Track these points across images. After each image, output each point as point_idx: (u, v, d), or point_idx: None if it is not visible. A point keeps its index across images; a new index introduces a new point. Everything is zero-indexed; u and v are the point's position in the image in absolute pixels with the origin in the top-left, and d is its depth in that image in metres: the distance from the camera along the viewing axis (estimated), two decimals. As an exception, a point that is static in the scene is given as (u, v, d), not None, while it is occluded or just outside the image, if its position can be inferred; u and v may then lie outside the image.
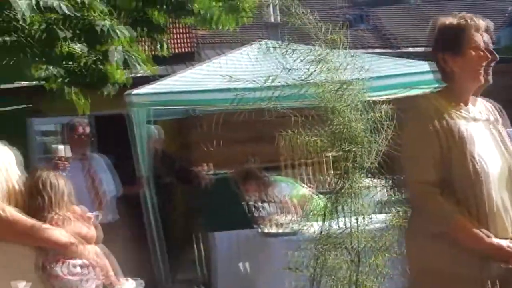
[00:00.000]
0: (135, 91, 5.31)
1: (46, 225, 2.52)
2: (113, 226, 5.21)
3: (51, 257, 2.54)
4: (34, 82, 7.72)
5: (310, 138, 2.57)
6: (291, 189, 5.95)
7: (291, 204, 5.40)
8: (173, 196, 6.10)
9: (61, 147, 4.82)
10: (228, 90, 4.46)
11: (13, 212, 2.49)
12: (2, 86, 9.39)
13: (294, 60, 2.61)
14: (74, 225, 2.65)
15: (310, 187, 6.49)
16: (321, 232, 2.73)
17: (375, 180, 3.04)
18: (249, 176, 5.78)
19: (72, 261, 2.55)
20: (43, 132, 9.78)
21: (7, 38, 3.04)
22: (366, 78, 2.88)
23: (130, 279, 2.88)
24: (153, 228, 5.43)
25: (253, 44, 6.64)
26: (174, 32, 11.38)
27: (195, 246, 6.10)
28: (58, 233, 2.53)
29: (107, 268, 2.74)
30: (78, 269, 2.55)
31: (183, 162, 6.42)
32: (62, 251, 2.55)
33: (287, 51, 2.59)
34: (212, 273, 5.65)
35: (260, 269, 5.22)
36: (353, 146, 2.60)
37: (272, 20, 10.21)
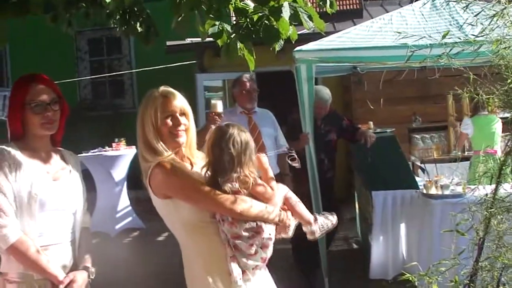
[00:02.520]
0: (298, 48, 5.42)
1: (219, 193, 2.47)
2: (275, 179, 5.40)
3: (220, 214, 2.53)
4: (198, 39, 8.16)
5: (483, 97, 2.46)
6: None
7: None
8: (336, 153, 6.08)
9: (219, 102, 4.88)
10: (397, 47, 4.38)
11: (187, 176, 2.50)
12: (173, 43, 9.99)
13: (472, 16, 2.48)
14: (254, 186, 2.57)
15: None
16: (487, 194, 2.62)
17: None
18: None
19: (239, 225, 2.51)
20: (206, 88, 10.13)
21: None
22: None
23: (325, 215, 2.87)
24: (316, 184, 5.53)
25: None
26: (340, -12, 11.24)
27: (357, 203, 6.12)
28: (230, 202, 2.47)
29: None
30: (245, 234, 2.51)
31: (349, 120, 6.31)
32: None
33: (467, 5, 2.46)
34: (369, 232, 5.67)
35: (419, 230, 5.17)
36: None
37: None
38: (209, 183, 2.51)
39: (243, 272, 2.52)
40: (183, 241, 2.60)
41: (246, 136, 2.62)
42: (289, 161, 2.78)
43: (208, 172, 2.55)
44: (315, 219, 2.82)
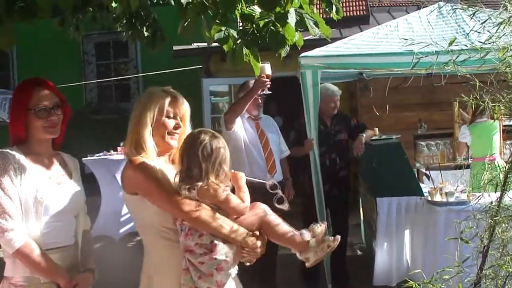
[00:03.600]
0: (304, 54, 5.43)
1: (182, 198, 2.37)
2: (281, 185, 5.41)
3: (180, 221, 2.41)
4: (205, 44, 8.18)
5: (488, 104, 2.46)
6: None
7: None
8: (348, 152, 6.08)
9: (268, 65, 4.76)
10: (403, 53, 4.39)
11: (154, 175, 2.42)
12: (180, 47, 10.02)
13: (478, 24, 2.48)
14: (221, 195, 2.40)
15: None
16: (492, 202, 2.61)
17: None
18: None
19: (192, 237, 2.36)
20: (212, 92, 10.13)
21: (184, 0, 3.12)
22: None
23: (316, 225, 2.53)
24: (320, 189, 5.54)
25: (431, 6, 6.43)
26: (348, -6, 11.26)
27: (361, 209, 6.11)
28: (190, 207, 2.35)
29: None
30: (197, 250, 2.35)
31: (357, 120, 6.36)
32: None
33: (474, 13, 2.46)
34: (373, 238, 5.66)
35: (423, 237, 5.15)
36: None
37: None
38: (177, 189, 2.41)
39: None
40: (144, 242, 2.54)
41: (219, 143, 2.46)
42: (276, 204, 2.58)
43: (177, 177, 2.45)
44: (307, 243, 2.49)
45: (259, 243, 2.48)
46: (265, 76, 4.76)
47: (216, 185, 2.39)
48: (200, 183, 2.38)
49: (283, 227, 2.52)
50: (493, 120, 6.42)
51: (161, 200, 2.40)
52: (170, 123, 2.55)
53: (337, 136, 5.98)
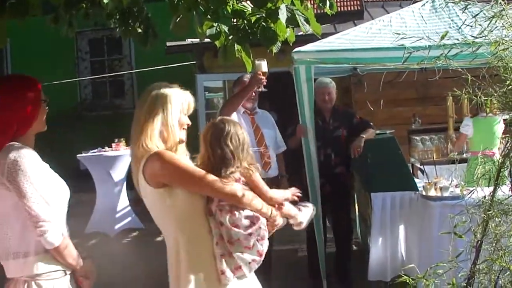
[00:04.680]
0: (297, 49, 5.43)
1: (219, 180, 2.52)
2: (274, 181, 5.42)
3: (217, 203, 2.55)
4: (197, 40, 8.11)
5: (481, 98, 2.46)
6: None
7: None
8: (345, 148, 5.89)
9: (264, 62, 4.76)
10: (395, 48, 4.38)
11: (185, 162, 2.54)
12: (173, 43, 10.00)
13: (470, 17, 2.48)
14: (255, 176, 2.66)
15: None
16: (485, 197, 2.61)
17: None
18: None
19: (238, 213, 2.55)
20: (206, 88, 10.13)
21: None
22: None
23: (302, 206, 2.89)
24: (315, 184, 5.55)
25: (424, 0, 6.43)
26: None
27: (356, 205, 6.10)
28: (228, 186, 2.53)
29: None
30: (244, 222, 2.54)
31: (361, 118, 6.19)
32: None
33: (465, 7, 2.45)
34: (368, 233, 5.66)
35: (418, 232, 5.16)
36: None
37: (444, -25, 9.70)
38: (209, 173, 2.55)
39: (239, 268, 2.52)
40: (171, 235, 2.57)
41: (242, 131, 2.69)
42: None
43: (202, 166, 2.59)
44: (299, 210, 2.85)
45: (279, 216, 2.72)
46: (261, 74, 4.76)
47: (248, 168, 2.62)
48: (235, 168, 2.58)
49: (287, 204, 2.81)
50: (496, 115, 6.43)
51: (200, 185, 2.52)
52: (185, 120, 2.67)
53: (335, 132, 5.90)
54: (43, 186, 2.43)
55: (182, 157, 2.60)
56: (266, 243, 2.61)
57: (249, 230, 2.54)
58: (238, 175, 2.59)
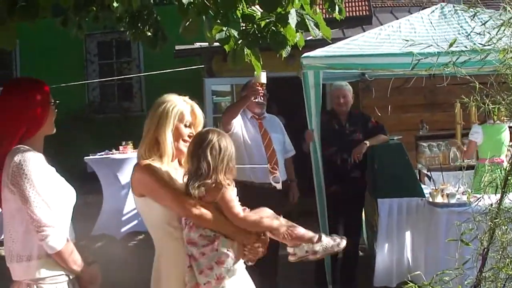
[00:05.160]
0: (306, 54, 5.43)
1: (188, 198, 2.48)
2: (284, 185, 5.42)
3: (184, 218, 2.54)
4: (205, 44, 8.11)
5: (489, 106, 2.45)
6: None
7: None
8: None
9: (263, 73, 4.72)
10: (404, 54, 4.38)
11: (160, 177, 2.54)
12: (182, 47, 10.02)
13: (479, 25, 2.47)
14: (227, 193, 2.54)
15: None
16: (492, 204, 2.61)
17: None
18: None
19: (197, 229, 2.49)
20: (214, 92, 10.16)
21: (185, 1, 3.13)
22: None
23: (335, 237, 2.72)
24: (322, 189, 5.55)
25: (433, 7, 6.43)
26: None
27: (363, 210, 6.08)
28: (203, 210, 2.49)
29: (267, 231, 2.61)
30: (200, 241, 2.47)
31: (376, 122, 6.12)
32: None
33: (474, 14, 2.45)
34: (374, 239, 5.65)
35: (424, 238, 5.15)
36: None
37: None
38: (185, 188, 2.53)
39: (197, 285, 2.48)
40: (154, 242, 2.69)
41: (226, 141, 2.59)
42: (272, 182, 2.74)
43: (185, 177, 2.58)
44: (319, 238, 2.69)
45: (260, 248, 2.59)
46: (259, 84, 4.78)
47: (224, 185, 2.50)
48: (208, 181, 2.49)
49: (298, 228, 2.67)
50: (504, 123, 6.40)
51: (166, 200, 2.54)
52: (186, 131, 2.68)
53: (352, 136, 5.84)
54: (46, 191, 2.43)
55: (166, 172, 2.58)
56: (226, 269, 2.47)
57: (202, 250, 2.47)
58: (203, 191, 2.48)
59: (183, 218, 2.55)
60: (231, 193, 2.56)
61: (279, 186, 5.08)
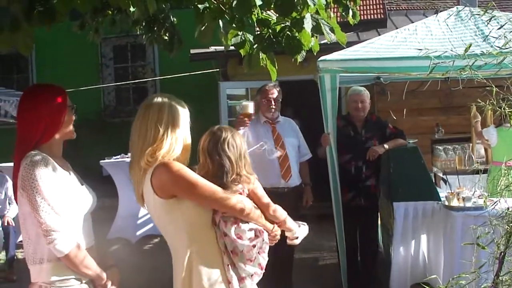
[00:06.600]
0: (323, 57, 5.43)
1: (225, 192, 2.49)
2: (297, 190, 5.41)
3: (221, 214, 2.54)
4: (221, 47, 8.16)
5: (506, 109, 2.44)
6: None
7: None
8: (377, 160, 5.73)
9: (251, 104, 4.85)
10: (420, 57, 4.36)
11: (194, 174, 2.49)
12: (197, 51, 10.06)
13: (496, 27, 2.46)
14: (258, 185, 2.66)
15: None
16: (508, 208, 2.59)
17: None
18: None
19: (243, 224, 2.54)
20: (229, 96, 10.13)
21: (201, 5, 3.15)
22: None
23: (300, 223, 2.86)
24: (338, 196, 5.54)
25: (449, 10, 6.39)
26: (365, -2, 11.24)
27: (378, 214, 6.06)
28: (235, 200, 2.51)
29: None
30: (249, 234, 2.53)
31: (394, 128, 6.01)
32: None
33: (490, 19, 2.44)
34: (390, 242, 5.63)
35: (440, 242, 5.12)
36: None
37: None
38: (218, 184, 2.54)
39: (241, 279, 2.52)
40: (181, 245, 2.56)
41: (239, 137, 2.67)
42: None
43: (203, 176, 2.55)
44: (298, 226, 2.84)
45: (279, 231, 2.71)
46: (245, 115, 4.79)
47: (247, 175, 2.61)
48: (235, 176, 2.56)
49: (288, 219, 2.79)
50: None
51: (206, 197, 2.47)
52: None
53: (367, 143, 5.72)
54: (54, 196, 2.43)
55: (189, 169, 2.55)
56: (266, 256, 2.61)
57: (253, 242, 2.54)
58: (241, 186, 2.56)
59: (217, 217, 2.52)
60: (259, 184, 2.66)
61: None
